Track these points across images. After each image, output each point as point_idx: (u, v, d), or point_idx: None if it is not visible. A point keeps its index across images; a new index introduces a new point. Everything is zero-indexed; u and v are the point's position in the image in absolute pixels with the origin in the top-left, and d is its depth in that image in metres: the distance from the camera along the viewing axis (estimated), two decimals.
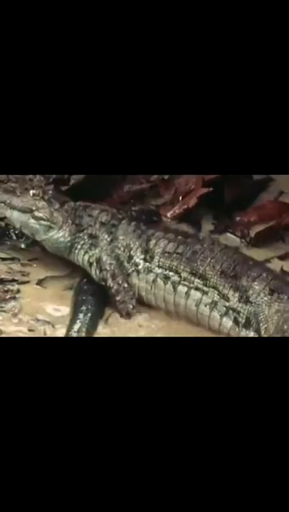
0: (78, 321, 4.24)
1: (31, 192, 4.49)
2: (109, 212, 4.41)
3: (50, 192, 4.57)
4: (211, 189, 4.98)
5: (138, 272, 4.26)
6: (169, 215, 5.03)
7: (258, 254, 4.77)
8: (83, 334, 4.19)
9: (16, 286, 4.38)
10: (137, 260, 4.26)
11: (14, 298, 4.27)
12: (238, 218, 5.06)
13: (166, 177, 5.09)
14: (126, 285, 4.25)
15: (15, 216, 4.38)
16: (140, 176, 5.06)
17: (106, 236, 4.34)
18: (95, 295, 4.39)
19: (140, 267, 4.25)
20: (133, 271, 4.26)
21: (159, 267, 4.23)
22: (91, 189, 4.81)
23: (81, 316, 4.28)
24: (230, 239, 5.00)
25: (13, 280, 4.39)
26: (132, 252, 4.28)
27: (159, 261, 4.22)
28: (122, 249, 4.29)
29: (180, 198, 5.08)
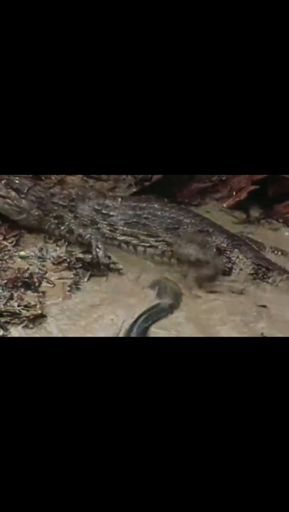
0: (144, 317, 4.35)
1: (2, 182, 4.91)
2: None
3: (17, 181, 4.94)
4: (258, 187, 5.57)
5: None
6: (225, 205, 5.62)
7: None
8: (134, 334, 4.24)
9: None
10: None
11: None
12: (279, 208, 5.63)
13: (223, 178, 5.67)
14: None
15: None
16: (203, 176, 5.62)
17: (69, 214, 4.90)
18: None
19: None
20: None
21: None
22: (166, 186, 5.41)
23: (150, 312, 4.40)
24: (273, 223, 5.60)
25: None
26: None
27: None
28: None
29: (234, 193, 5.66)
